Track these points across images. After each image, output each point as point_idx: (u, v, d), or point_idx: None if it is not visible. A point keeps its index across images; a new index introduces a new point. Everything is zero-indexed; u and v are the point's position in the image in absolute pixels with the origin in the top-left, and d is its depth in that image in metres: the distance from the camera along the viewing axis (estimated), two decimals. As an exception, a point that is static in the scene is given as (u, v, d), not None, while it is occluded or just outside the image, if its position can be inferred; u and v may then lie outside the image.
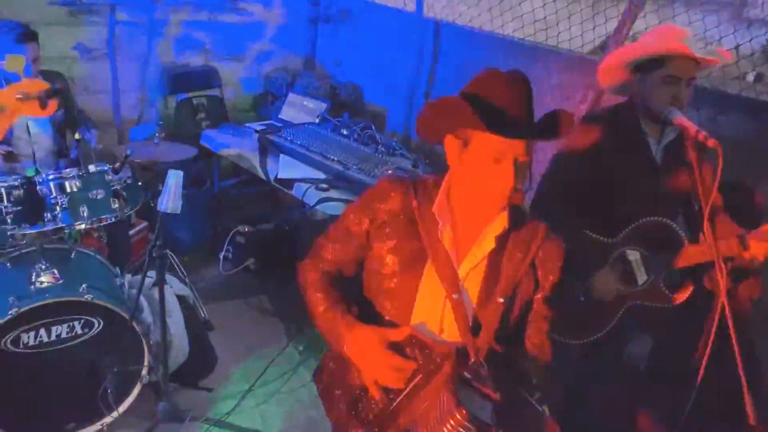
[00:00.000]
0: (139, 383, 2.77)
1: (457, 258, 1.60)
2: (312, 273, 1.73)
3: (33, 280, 2.57)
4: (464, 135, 1.51)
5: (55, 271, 2.62)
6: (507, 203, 1.52)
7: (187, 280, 3.51)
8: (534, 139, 1.49)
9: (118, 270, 3.04)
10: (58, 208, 2.62)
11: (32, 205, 2.63)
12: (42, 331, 2.52)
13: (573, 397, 2.67)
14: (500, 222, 1.59)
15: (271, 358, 3.26)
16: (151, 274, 2.99)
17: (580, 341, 2.42)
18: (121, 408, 2.72)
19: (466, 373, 1.51)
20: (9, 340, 2.47)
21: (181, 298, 3.08)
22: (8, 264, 2.73)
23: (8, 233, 2.52)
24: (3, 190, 2.55)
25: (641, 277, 2.33)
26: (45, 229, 2.57)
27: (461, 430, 1.37)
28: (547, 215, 2.35)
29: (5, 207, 2.53)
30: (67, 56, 4.17)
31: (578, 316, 2.40)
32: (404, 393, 1.53)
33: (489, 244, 1.59)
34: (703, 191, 1.96)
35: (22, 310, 2.43)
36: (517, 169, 1.47)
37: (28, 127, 3.26)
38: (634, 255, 2.34)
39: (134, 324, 2.65)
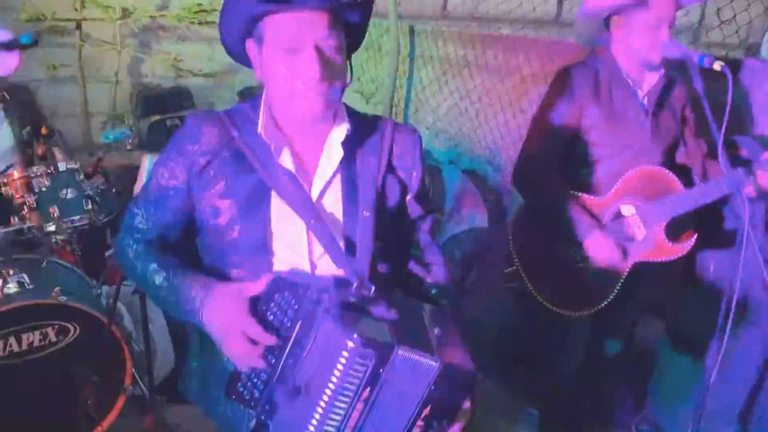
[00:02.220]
0: (122, 395, 2.55)
1: (305, 179, 1.36)
2: (133, 248, 1.40)
3: (0, 286, 2.38)
4: (259, 31, 1.28)
5: (25, 276, 2.42)
6: (324, 102, 1.27)
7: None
8: (335, 12, 1.25)
9: (94, 281, 2.85)
10: (25, 208, 2.45)
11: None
12: (12, 340, 2.30)
13: (583, 377, 2.51)
14: (341, 128, 1.37)
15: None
16: (130, 283, 2.82)
17: (587, 312, 2.27)
18: (105, 423, 2.49)
19: (350, 298, 1.25)
20: (-25, 351, 2.25)
21: (163, 305, 2.88)
22: (-28, 276, 2.54)
23: (-29, 235, 2.34)
24: (-36, 191, 2.38)
25: (640, 233, 2.21)
26: (11, 229, 2.39)
27: (358, 360, 1.13)
28: (532, 180, 2.29)
29: (-31, 208, 2.36)
30: (33, 79, 4.03)
31: (580, 285, 2.27)
32: (287, 350, 1.21)
33: (337, 153, 1.36)
34: (716, 122, 1.83)
35: (-12, 316, 2.23)
36: (324, 58, 1.24)
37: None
38: (629, 210, 2.22)
39: (113, 329, 2.44)
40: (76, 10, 3.99)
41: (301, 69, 1.24)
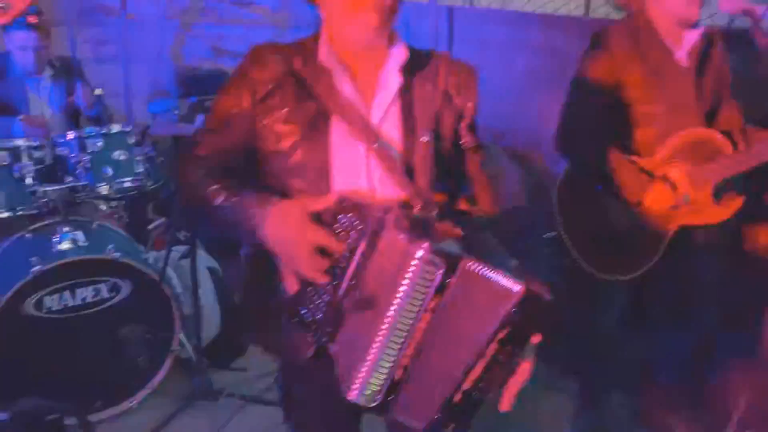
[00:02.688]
0: (170, 357, 2.57)
1: (365, 105, 1.38)
2: (194, 173, 1.41)
3: (55, 243, 2.42)
4: None
5: (79, 233, 2.46)
6: (378, 17, 1.30)
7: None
8: None
9: (141, 246, 2.89)
10: (80, 167, 2.49)
11: (54, 165, 2.51)
12: (66, 294, 2.35)
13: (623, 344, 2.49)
14: (398, 55, 1.40)
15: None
16: (176, 250, 2.86)
17: (630, 276, 2.24)
18: (155, 380, 2.51)
19: (416, 215, 1.27)
20: (32, 304, 2.30)
21: (211, 270, 2.90)
22: (28, 235, 2.58)
23: (29, 191, 2.38)
24: (23, 149, 2.43)
25: (686, 196, 2.17)
26: (66, 185, 2.43)
27: (427, 268, 1.14)
28: (575, 141, 2.27)
29: (26, 166, 2.41)
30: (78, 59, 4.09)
31: (624, 248, 2.24)
32: (350, 268, 1.22)
33: (394, 79, 1.39)
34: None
35: (45, 268, 2.26)
36: None
37: (42, 113, 3.15)
38: (676, 173, 2.18)
39: (164, 288, 2.47)
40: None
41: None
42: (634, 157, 2.18)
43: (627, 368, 2.55)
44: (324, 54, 1.38)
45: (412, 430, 1.28)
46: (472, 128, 1.48)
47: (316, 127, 1.35)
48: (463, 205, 1.49)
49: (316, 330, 1.27)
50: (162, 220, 3.83)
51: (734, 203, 2.19)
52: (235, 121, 1.39)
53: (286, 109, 1.36)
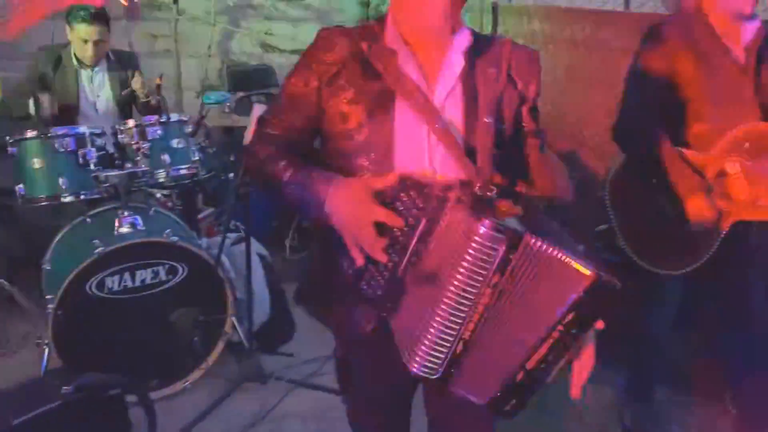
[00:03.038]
0: (223, 339, 2.65)
1: (428, 87, 1.41)
2: (264, 149, 1.48)
3: (116, 227, 2.51)
4: None
5: (138, 217, 2.55)
6: (443, 4, 1.36)
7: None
8: None
9: (194, 233, 2.97)
10: (140, 154, 2.58)
11: (115, 151, 2.61)
12: (126, 276, 2.44)
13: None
14: (462, 38, 1.44)
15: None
16: (228, 237, 2.93)
17: (683, 270, 2.22)
18: (208, 362, 2.59)
19: (476, 193, 1.28)
20: (94, 284, 2.39)
21: (261, 257, 2.97)
22: (88, 219, 2.69)
23: (92, 175, 2.48)
24: (88, 136, 2.53)
25: (744, 191, 2.15)
26: (126, 171, 2.52)
27: (489, 244, 1.15)
28: (632, 134, 2.26)
29: (89, 152, 2.51)
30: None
31: (677, 242, 2.22)
32: (411, 246, 1.25)
33: (458, 62, 1.42)
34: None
35: (107, 250, 2.36)
36: None
37: (95, 105, 3.26)
38: (734, 167, 2.16)
39: (219, 272, 2.54)
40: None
41: None
42: (689, 152, 2.17)
43: (676, 363, 2.54)
44: (390, 36, 1.42)
45: (468, 406, 1.29)
46: (534, 112, 1.50)
47: (380, 107, 1.39)
48: (521, 188, 1.50)
49: (377, 305, 1.31)
50: (211, 210, 3.94)
51: None
52: (302, 102, 1.44)
53: (351, 90, 1.40)
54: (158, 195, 3.11)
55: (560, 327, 1.21)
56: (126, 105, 3.31)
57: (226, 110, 3.45)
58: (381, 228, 1.28)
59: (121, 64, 3.27)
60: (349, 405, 1.70)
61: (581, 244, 1.30)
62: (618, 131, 2.28)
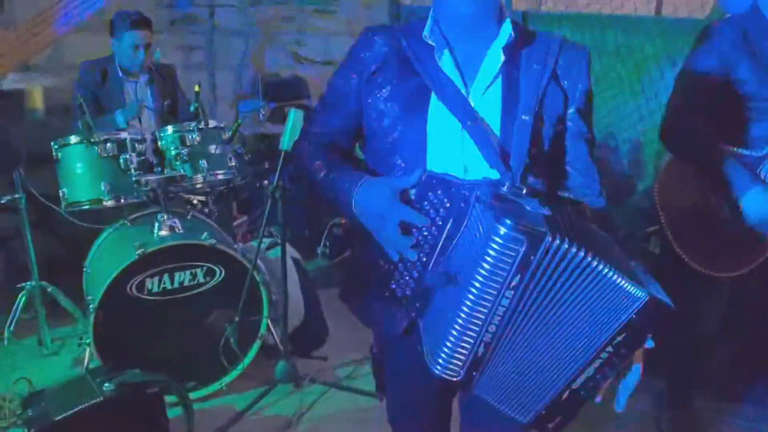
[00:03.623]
0: (258, 341, 2.69)
1: (465, 83, 1.39)
2: (305, 147, 1.52)
3: (155, 230, 2.57)
4: None
5: (177, 221, 2.61)
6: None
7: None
8: None
9: (230, 238, 3.02)
10: (178, 159, 2.64)
11: (154, 156, 2.68)
12: (166, 277, 2.49)
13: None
14: (504, 33, 1.37)
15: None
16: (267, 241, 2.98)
17: (734, 273, 2.19)
18: (244, 363, 2.62)
19: (503, 193, 1.24)
20: (134, 285, 2.45)
21: (295, 261, 3.01)
22: (128, 223, 2.76)
23: (133, 179, 2.55)
24: (129, 142, 2.60)
25: None
26: (166, 175, 2.59)
27: (510, 246, 1.11)
28: (682, 134, 2.25)
29: (130, 157, 2.58)
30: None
31: (728, 244, 2.19)
32: (438, 247, 1.25)
33: (498, 58, 1.37)
34: None
35: (147, 252, 2.41)
36: None
37: (140, 117, 3.35)
38: None
39: (255, 275, 2.58)
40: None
41: None
42: (742, 152, 2.13)
43: (719, 369, 2.50)
44: (429, 30, 1.40)
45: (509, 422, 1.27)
46: (584, 115, 1.44)
47: (415, 104, 1.38)
48: (553, 189, 1.45)
49: (406, 305, 1.31)
50: (245, 218, 4.01)
51: None
52: (343, 100, 1.46)
53: (388, 87, 1.41)
54: (195, 201, 3.19)
55: (610, 347, 1.18)
56: (167, 116, 3.40)
57: (261, 118, 3.51)
58: (407, 227, 1.28)
59: (162, 75, 3.36)
60: (386, 404, 1.71)
61: (633, 260, 1.26)
62: (667, 131, 2.25)
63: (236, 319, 2.56)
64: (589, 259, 1.12)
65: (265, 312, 2.66)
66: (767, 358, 2.43)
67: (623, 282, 1.13)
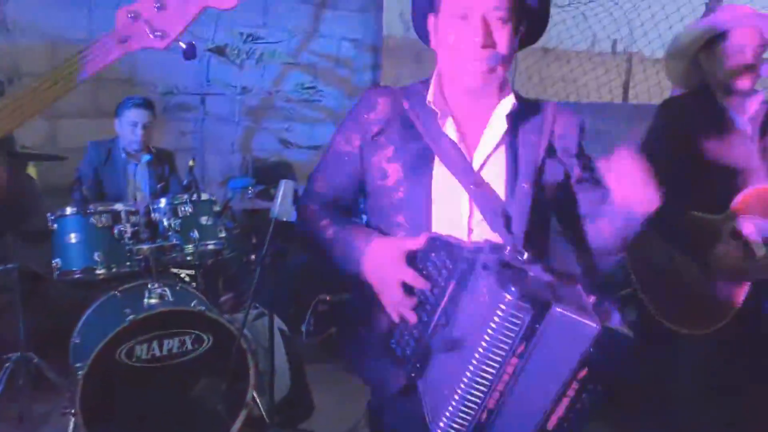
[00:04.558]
0: (245, 410, 2.69)
1: (468, 148, 1.43)
2: (310, 207, 1.54)
3: (146, 298, 2.63)
4: (438, 2, 1.41)
5: (167, 289, 2.67)
6: (485, 67, 1.36)
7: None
8: None
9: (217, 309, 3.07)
10: (171, 230, 2.74)
11: (148, 227, 2.77)
12: (155, 344, 2.52)
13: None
14: (507, 101, 1.43)
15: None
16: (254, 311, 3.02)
17: (708, 330, 2.29)
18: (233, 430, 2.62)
19: (506, 258, 1.24)
20: (123, 352, 2.47)
21: (281, 332, 3.05)
22: (119, 294, 2.81)
23: (127, 248, 2.63)
24: (123, 213, 2.70)
25: (759, 249, 2.25)
26: (156, 245, 2.67)
27: (515, 313, 1.12)
28: None
29: (124, 227, 2.67)
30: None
31: (700, 303, 2.31)
32: (440, 308, 1.25)
33: (501, 125, 1.43)
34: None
35: (138, 317, 2.46)
36: (489, 28, 1.34)
37: (135, 196, 3.46)
38: (747, 227, 2.25)
39: (243, 342, 2.62)
40: (203, 85, 4.51)
41: (467, 34, 1.35)
42: (703, 216, 2.26)
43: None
44: (432, 96, 1.45)
45: None
46: (586, 165, 1.48)
47: (419, 166, 1.42)
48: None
49: (406, 365, 1.32)
50: (231, 294, 4.05)
51: None
52: (346, 159, 1.51)
53: (392, 147, 1.45)
54: (183, 275, 3.25)
55: (575, 385, 1.19)
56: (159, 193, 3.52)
57: (249, 195, 3.65)
58: (410, 288, 1.29)
59: (160, 159, 3.51)
60: None
61: (592, 296, 1.28)
62: None
63: (223, 386, 2.58)
64: (578, 318, 1.15)
65: (252, 381, 2.67)
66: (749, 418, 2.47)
67: (577, 316, 1.15)
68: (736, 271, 2.22)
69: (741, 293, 2.24)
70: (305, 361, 3.40)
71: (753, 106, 2.34)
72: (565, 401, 1.20)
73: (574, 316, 1.14)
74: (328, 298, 4.16)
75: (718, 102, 2.35)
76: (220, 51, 4.38)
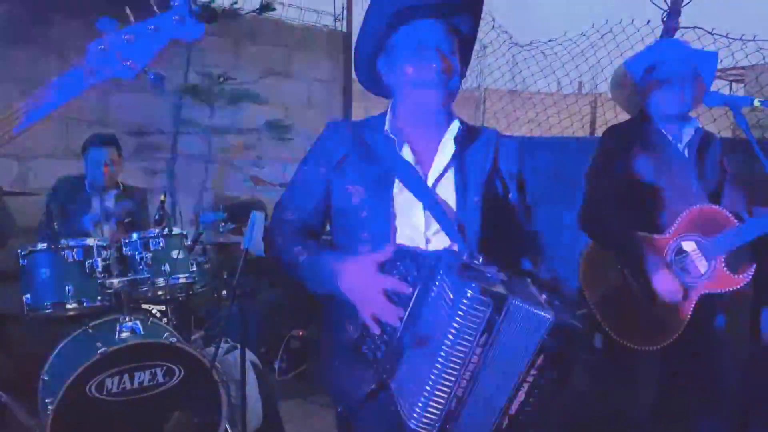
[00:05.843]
0: (216, 442, 2.68)
1: (423, 169, 1.61)
2: (281, 235, 1.65)
3: (117, 332, 2.63)
4: (392, 41, 1.60)
5: (138, 323, 2.68)
6: (444, 92, 1.56)
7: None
8: (448, 17, 1.57)
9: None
10: (142, 263, 2.76)
11: (120, 261, 2.79)
12: (126, 377, 2.52)
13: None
14: (453, 126, 1.62)
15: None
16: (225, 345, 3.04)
17: (659, 345, 2.39)
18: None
19: (464, 261, 1.39)
20: (94, 386, 2.46)
21: (253, 364, 3.06)
22: (90, 330, 2.80)
23: (98, 282, 2.64)
24: (95, 248, 2.72)
25: (702, 266, 2.37)
26: (128, 279, 2.69)
27: (477, 306, 1.27)
28: (596, 223, 2.49)
29: (95, 261, 2.69)
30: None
31: (650, 319, 2.40)
32: (408, 311, 1.39)
33: (450, 147, 1.61)
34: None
35: (109, 350, 2.46)
36: (443, 56, 1.54)
37: (102, 231, 3.47)
38: (690, 245, 2.38)
39: (214, 374, 2.63)
40: (175, 125, 4.58)
41: (425, 63, 1.55)
42: (649, 236, 2.39)
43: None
44: (389, 126, 1.63)
45: None
46: (520, 188, 1.69)
47: (380, 187, 1.58)
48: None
49: (377, 367, 1.44)
50: (202, 333, 4.04)
51: (747, 271, 2.34)
52: (312, 186, 1.65)
53: (355, 173, 1.61)
54: (154, 311, 3.25)
55: (534, 371, 1.33)
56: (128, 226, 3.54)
57: (221, 229, 3.68)
58: (389, 295, 1.42)
59: (128, 195, 3.53)
60: None
61: (543, 293, 1.42)
62: (583, 220, 2.53)
63: (195, 420, 2.57)
64: (532, 309, 1.30)
65: (224, 413, 2.67)
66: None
67: (534, 308, 1.31)
68: (678, 291, 2.32)
69: (688, 306, 2.34)
70: (279, 397, 3.41)
71: (689, 133, 2.49)
72: (526, 386, 1.34)
73: (530, 307, 1.30)
74: (300, 333, 4.17)
75: (656, 128, 2.50)
76: (191, 90, 4.45)
